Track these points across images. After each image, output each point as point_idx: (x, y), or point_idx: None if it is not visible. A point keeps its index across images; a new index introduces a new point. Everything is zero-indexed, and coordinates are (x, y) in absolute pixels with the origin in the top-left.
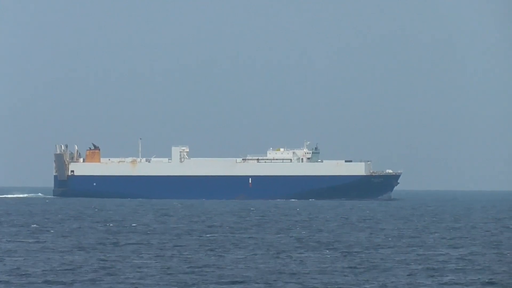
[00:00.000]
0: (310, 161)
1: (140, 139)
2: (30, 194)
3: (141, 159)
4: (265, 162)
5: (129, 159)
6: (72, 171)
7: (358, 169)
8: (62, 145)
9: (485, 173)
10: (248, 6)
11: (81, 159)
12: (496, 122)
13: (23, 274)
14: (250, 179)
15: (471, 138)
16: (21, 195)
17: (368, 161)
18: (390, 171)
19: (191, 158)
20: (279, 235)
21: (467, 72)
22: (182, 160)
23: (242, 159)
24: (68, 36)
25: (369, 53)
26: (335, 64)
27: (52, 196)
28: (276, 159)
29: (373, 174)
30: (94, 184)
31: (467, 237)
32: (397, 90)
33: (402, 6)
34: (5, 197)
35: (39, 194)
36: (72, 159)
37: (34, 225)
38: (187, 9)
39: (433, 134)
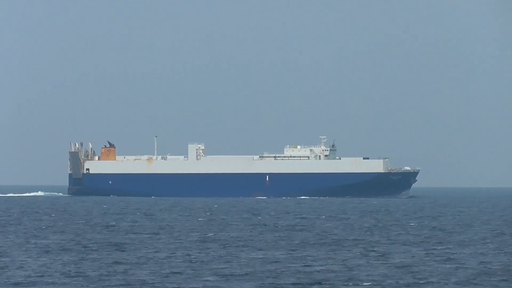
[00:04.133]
0: (328, 159)
1: (156, 136)
2: (45, 193)
3: (157, 157)
4: (282, 159)
5: (145, 156)
6: (87, 169)
7: (376, 166)
8: (77, 143)
9: (503, 170)
10: (265, 6)
11: (96, 157)
12: None
13: None
14: (267, 176)
15: (488, 135)
16: (37, 194)
17: (385, 158)
18: (408, 168)
19: (208, 156)
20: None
21: (484, 69)
22: (199, 157)
23: (259, 157)
24: (84, 35)
25: (386, 50)
26: (350, 62)
27: (67, 195)
28: (294, 157)
29: (391, 171)
30: (110, 182)
31: None
32: (413, 87)
33: (420, 2)
34: (26, 195)
35: (57, 193)
36: (87, 157)
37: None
38: (202, 8)
39: (449, 131)
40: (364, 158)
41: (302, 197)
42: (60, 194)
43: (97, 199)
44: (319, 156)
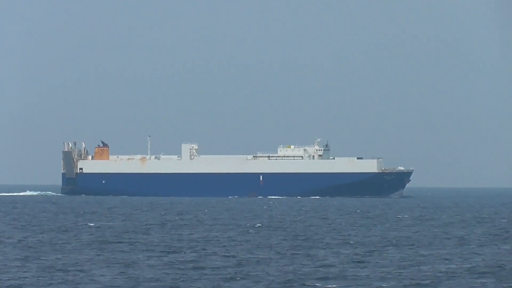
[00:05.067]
0: (322, 158)
1: (149, 136)
2: (39, 192)
3: (150, 157)
4: (276, 159)
5: (138, 156)
6: (81, 168)
7: (370, 166)
8: (70, 143)
9: (496, 170)
10: (261, 7)
11: (90, 157)
12: (506, 121)
13: None
14: (261, 176)
15: (484, 135)
16: (32, 193)
17: (379, 158)
18: (402, 168)
19: (201, 156)
20: None
21: (478, 71)
22: (192, 157)
23: (253, 156)
24: (77, 36)
25: (379, 52)
26: (344, 62)
27: (61, 194)
28: (287, 156)
29: (385, 171)
30: (103, 181)
31: None
32: (407, 88)
33: (415, 6)
34: (20, 195)
35: (48, 192)
36: (80, 156)
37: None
38: (196, 9)
39: (443, 132)
40: (358, 158)
41: (271, 197)
42: (48, 192)
43: (69, 199)
44: (313, 156)
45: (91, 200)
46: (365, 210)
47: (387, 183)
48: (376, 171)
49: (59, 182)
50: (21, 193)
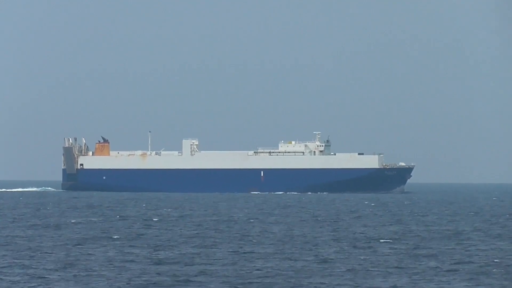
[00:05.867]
0: (323, 154)
1: (150, 132)
2: (38, 188)
3: (151, 152)
4: (277, 155)
5: (139, 152)
6: (81, 164)
7: (371, 162)
8: (71, 138)
9: (495, 167)
10: (261, 7)
11: (90, 153)
12: (504, 119)
13: None
14: (262, 172)
15: (483, 132)
16: (30, 189)
17: (380, 154)
18: (403, 164)
19: (202, 151)
20: None
21: (477, 70)
22: (193, 153)
23: (254, 152)
24: (77, 32)
25: (380, 49)
26: (344, 62)
27: (61, 190)
28: (288, 152)
29: (386, 167)
30: (104, 177)
31: None
32: (408, 84)
33: (415, 6)
34: (19, 191)
35: (49, 188)
36: (81, 152)
37: None
38: (196, 8)
39: (444, 128)
40: (359, 154)
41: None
42: (48, 188)
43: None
44: (314, 151)
45: (79, 195)
46: (352, 205)
47: (388, 179)
48: (377, 167)
49: (59, 178)
50: (9, 190)
